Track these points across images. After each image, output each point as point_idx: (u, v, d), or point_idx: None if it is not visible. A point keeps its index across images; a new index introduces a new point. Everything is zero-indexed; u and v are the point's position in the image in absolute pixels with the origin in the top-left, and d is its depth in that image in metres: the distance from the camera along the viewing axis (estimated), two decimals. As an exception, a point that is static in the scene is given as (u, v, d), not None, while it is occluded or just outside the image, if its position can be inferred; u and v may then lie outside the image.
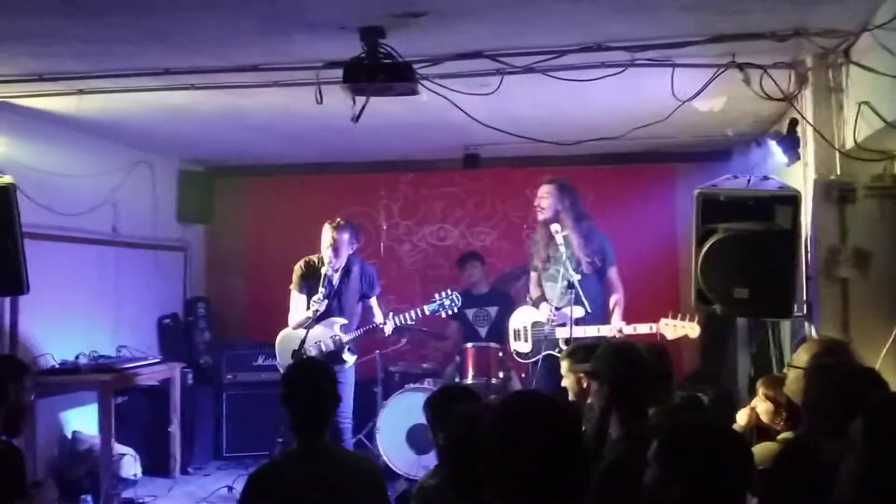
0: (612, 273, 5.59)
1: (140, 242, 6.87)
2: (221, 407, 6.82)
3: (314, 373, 3.21)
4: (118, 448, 5.75)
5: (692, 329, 5.11)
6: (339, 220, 5.41)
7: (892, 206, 4.05)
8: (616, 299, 5.51)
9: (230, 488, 5.73)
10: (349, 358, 5.44)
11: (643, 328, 5.21)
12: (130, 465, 5.88)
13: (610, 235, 5.76)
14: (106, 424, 5.52)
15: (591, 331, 5.25)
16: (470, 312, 6.84)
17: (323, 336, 5.37)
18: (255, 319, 7.52)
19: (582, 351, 3.79)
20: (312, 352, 5.30)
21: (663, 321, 5.14)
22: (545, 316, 5.49)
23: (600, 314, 5.42)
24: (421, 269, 7.65)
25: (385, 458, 5.87)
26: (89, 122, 5.57)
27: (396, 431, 5.90)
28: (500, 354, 6.20)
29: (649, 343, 3.64)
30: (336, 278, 5.41)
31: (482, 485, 1.82)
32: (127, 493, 5.59)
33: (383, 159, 7.43)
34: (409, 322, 5.60)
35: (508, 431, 1.74)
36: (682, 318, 5.12)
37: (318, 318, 5.36)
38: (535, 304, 5.68)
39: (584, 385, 3.75)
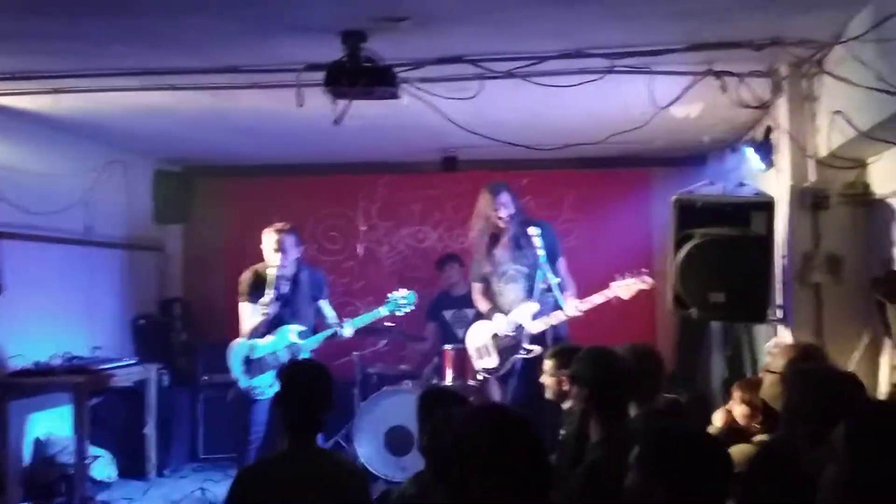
0: (562, 265, 5.48)
1: (115, 242, 6.81)
2: (197, 409, 6.78)
3: (313, 373, 3.20)
4: (92, 450, 5.70)
5: (644, 282, 5.07)
6: (282, 224, 5.36)
7: (864, 213, 4.14)
8: (571, 294, 5.36)
9: (203, 490, 5.70)
10: None
11: (598, 298, 5.10)
12: (105, 467, 5.83)
13: (552, 225, 5.68)
14: (80, 426, 5.46)
15: (550, 320, 5.18)
16: (448, 314, 6.86)
17: (278, 345, 5.29)
18: (232, 321, 7.39)
19: (566, 354, 3.80)
20: (269, 362, 5.24)
21: (614, 284, 5.09)
22: (503, 327, 5.36)
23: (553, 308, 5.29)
24: (399, 270, 7.66)
25: (363, 461, 5.86)
26: (64, 120, 5.51)
27: (374, 433, 5.90)
28: (479, 357, 6.22)
29: (636, 343, 3.64)
30: (286, 286, 5.35)
31: (465, 486, 1.84)
32: (101, 496, 5.54)
33: (362, 161, 7.42)
34: (366, 324, 5.51)
35: (497, 430, 1.77)
36: (631, 275, 5.08)
37: (272, 327, 5.30)
38: (488, 316, 5.53)
39: (565, 388, 3.77)
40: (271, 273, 5.21)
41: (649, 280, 5.09)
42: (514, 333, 5.32)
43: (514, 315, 5.32)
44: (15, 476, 5.50)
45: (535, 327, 5.18)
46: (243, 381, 5.29)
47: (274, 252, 5.23)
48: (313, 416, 3.03)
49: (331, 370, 3.21)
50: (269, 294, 5.17)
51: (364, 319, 5.42)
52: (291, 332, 5.31)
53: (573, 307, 5.18)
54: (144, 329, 7.06)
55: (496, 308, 5.48)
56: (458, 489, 1.82)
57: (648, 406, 3.47)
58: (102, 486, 5.70)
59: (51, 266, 6.00)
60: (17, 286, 5.55)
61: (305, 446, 3.00)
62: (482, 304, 5.63)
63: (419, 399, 3.36)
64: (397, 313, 5.47)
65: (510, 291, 5.44)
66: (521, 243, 5.34)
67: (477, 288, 5.69)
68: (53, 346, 5.76)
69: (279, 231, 5.25)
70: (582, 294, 5.32)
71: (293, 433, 3.00)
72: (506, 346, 5.38)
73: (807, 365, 2.87)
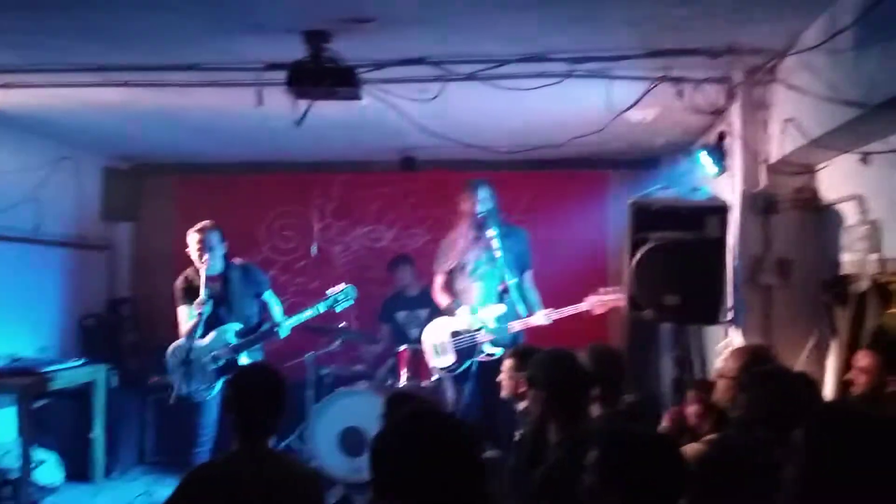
0: (529, 277, 5.56)
1: (62, 240, 6.65)
2: (146, 411, 6.65)
3: (263, 376, 3.16)
4: (38, 454, 5.55)
5: (621, 298, 5.02)
6: (203, 223, 5.27)
7: (813, 218, 4.27)
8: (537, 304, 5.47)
9: (150, 493, 5.59)
10: (245, 362, 5.28)
11: (568, 310, 5.18)
12: (51, 471, 5.68)
13: (525, 233, 5.73)
14: (25, 430, 5.32)
15: (516, 325, 5.26)
16: (401, 315, 6.85)
17: (216, 345, 5.23)
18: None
19: (525, 355, 3.81)
20: (208, 363, 5.17)
21: (590, 298, 5.19)
22: (466, 323, 5.37)
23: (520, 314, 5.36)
24: (353, 270, 7.60)
25: (317, 462, 5.82)
26: (13, 115, 5.36)
27: (329, 434, 5.86)
28: (434, 357, 6.23)
29: (596, 345, 3.69)
30: (217, 286, 5.28)
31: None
32: (48, 501, 5.40)
33: (318, 160, 7.36)
34: (304, 321, 5.41)
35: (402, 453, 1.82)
36: (608, 292, 5.16)
37: (210, 327, 5.24)
38: (449, 311, 5.55)
39: (522, 389, 3.79)
40: (201, 274, 5.14)
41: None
42: (474, 333, 5.34)
43: (482, 314, 5.35)
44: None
45: (499, 331, 5.23)
46: (182, 384, 5.22)
47: (198, 252, 5.15)
48: (264, 419, 3.00)
49: (282, 373, 3.17)
50: (204, 292, 5.11)
51: (301, 317, 5.34)
52: (228, 332, 5.25)
53: (542, 316, 5.25)
54: (92, 329, 6.91)
55: (458, 303, 5.49)
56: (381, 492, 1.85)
57: (611, 407, 3.52)
58: (48, 490, 5.55)
59: (-4, 264, 5.85)
60: (-38, 285, 5.41)
61: (256, 448, 2.96)
62: (443, 299, 5.63)
63: (386, 402, 3.35)
64: (336, 309, 5.38)
65: (476, 289, 5.47)
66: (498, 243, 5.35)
67: (439, 281, 5.67)
68: (-2, 347, 5.63)
69: (201, 230, 5.17)
70: (547, 299, 5.41)
71: (244, 437, 2.97)
72: (464, 347, 5.39)
73: (763, 368, 2.94)
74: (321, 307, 5.30)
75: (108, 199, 7.18)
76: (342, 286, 5.40)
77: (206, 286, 5.13)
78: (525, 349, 4.08)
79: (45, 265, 6.41)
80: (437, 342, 5.54)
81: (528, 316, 5.30)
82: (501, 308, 5.34)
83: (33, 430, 5.41)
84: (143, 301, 7.43)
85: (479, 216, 5.45)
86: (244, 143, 6.57)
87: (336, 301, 5.33)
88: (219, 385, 5.16)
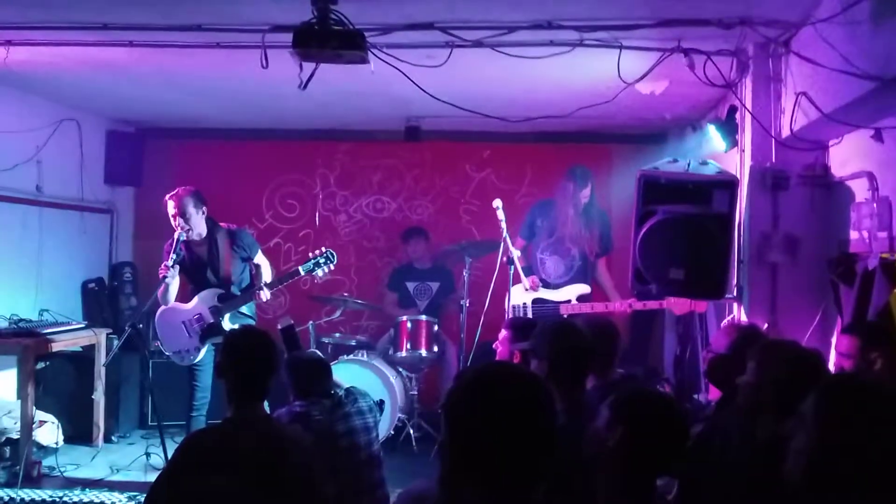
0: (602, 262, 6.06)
1: (65, 203, 6.61)
2: (147, 375, 6.65)
3: (255, 340, 3.16)
4: (39, 415, 5.56)
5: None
6: (181, 188, 5.26)
7: (822, 195, 4.22)
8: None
9: (148, 455, 5.61)
10: (229, 325, 5.30)
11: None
12: (52, 432, 5.70)
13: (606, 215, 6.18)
14: (26, 391, 5.33)
15: (598, 307, 5.48)
16: (411, 286, 6.85)
17: (202, 308, 5.26)
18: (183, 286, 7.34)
19: (524, 328, 3.80)
20: (195, 327, 5.21)
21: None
22: (554, 295, 5.69)
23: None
24: (356, 240, 7.59)
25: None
26: (15, 75, 5.29)
27: (329, 403, 5.86)
28: (436, 328, 6.24)
29: (594, 316, 3.68)
30: (203, 250, 5.30)
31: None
32: (48, 462, 5.42)
33: (322, 127, 7.31)
34: (284, 284, 5.41)
35: (470, 405, 1.72)
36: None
37: (196, 290, 5.30)
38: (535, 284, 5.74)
39: (516, 360, 3.78)
40: (176, 236, 5.15)
41: None
42: (554, 305, 5.62)
43: (568, 290, 5.70)
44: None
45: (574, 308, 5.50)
46: (168, 348, 5.28)
47: (173, 217, 5.16)
48: (257, 383, 3.01)
49: (272, 337, 3.16)
50: (172, 257, 5.11)
51: (282, 280, 5.34)
52: (213, 295, 5.25)
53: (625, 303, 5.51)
54: (94, 293, 6.91)
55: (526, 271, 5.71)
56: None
57: (604, 379, 3.53)
58: (49, 451, 5.58)
59: (-1, 225, 5.83)
60: (-37, 245, 5.39)
61: (250, 413, 2.97)
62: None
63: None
64: (317, 272, 5.36)
65: (552, 263, 5.89)
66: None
67: (515, 249, 5.61)
68: (0, 308, 5.61)
69: (175, 196, 5.17)
70: None
71: (238, 401, 2.98)
72: (542, 315, 5.49)
73: (776, 340, 2.93)
74: (301, 270, 5.28)
75: (111, 163, 7.14)
76: (323, 249, 5.37)
77: (177, 251, 5.12)
78: (523, 322, 4.10)
79: (47, 227, 6.38)
80: (517, 303, 5.65)
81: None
82: (586, 288, 5.72)
83: (35, 392, 5.41)
84: (144, 266, 7.40)
85: (579, 203, 5.79)
86: (248, 109, 6.51)
87: (317, 264, 5.30)
88: (205, 348, 5.19)
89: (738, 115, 4.49)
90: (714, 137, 4.66)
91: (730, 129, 4.54)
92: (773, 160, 4.24)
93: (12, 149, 5.80)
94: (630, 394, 2.24)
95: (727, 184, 4.07)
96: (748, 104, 4.28)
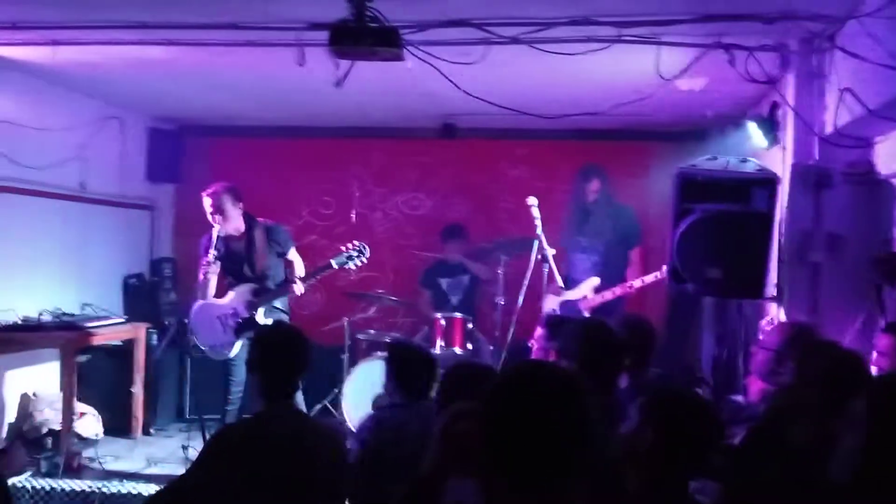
0: (635, 253, 6.21)
1: (107, 199, 6.72)
2: (185, 368, 6.74)
3: (286, 336, 3.17)
4: (80, 407, 5.66)
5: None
6: (217, 185, 5.37)
7: (866, 194, 4.12)
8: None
9: (185, 448, 5.68)
10: (263, 319, 5.33)
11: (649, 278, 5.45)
12: (92, 424, 5.80)
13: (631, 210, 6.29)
14: (68, 383, 5.43)
15: (607, 294, 5.58)
16: (444, 282, 6.84)
17: (237, 303, 5.33)
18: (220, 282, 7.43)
19: (558, 325, 3.79)
20: (230, 322, 5.27)
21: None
22: (573, 295, 5.70)
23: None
24: (392, 237, 7.60)
25: (350, 425, 5.86)
26: (61, 74, 5.41)
27: (362, 398, 5.86)
28: (470, 326, 6.22)
29: (629, 314, 3.65)
30: (241, 245, 5.38)
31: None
32: (87, 453, 5.51)
33: (358, 125, 7.33)
34: (318, 278, 5.47)
35: (503, 403, 1.72)
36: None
37: (231, 285, 5.39)
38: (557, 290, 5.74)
39: (551, 358, 3.76)
40: (215, 232, 5.25)
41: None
42: (576, 300, 5.70)
43: (582, 287, 5.72)
44: (1, 430, 5.48)
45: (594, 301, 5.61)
46: (204, 342, 5.36)
47: (210, 214, 5.24)
48: (287, 379, 3.02)
49: (303, 333, 3.17)
50: (212, 253, 5.22)
51: (315, 273, 5.39)
52: (248, 290, 5.29)
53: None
54: (135, 288, 7.02)
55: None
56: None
57: (638, 378, 3.48)
58: (88, 442, 5.67)
59: (43, 221, 5.94)
60: (8, 240, 5.50)
61: (281, 408, 2.98)
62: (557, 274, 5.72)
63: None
64: (350, 266, 5.38)
65: (578, 261, 6.01)
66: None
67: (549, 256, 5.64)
68: (43, 302, 5.73)
69: (214, 192, 5.26)
70: None
71: (268, 396, 2.99)
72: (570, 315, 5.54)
73: (816, 341, 2.87)
74: (334, 263, 5.31)
75: (152, 160, 7.25)
76: (356, 243, 5.40)
77: (217, 247, 5.19)
78: (558, 319, 4.06)
79: (89, 223, 6.49)
80: (549, 309, 5.67)
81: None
82: (595, 280, 5.72)
83: (76, 384, 5.51)
84: (184, 261, 7.50)
85: (588, 199, 5.94)
86: (284, 107, 6.56)
87: (350, 257, 5.33)
88: (240, 343, 5.24)
89: (779, 112, 4.40)
90: (755, 135, 4.58)
91: (771, 125, 4.46)
92: (816, 157, 4.15)
93: (57, 146, 5.91)
94: (661, 395, 2.19)
95: (767, 181, 3.99)
96: (791, 100, 4.20)
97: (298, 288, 5.26)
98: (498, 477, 1.70)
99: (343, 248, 5.37)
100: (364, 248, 5.35)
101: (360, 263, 5.35)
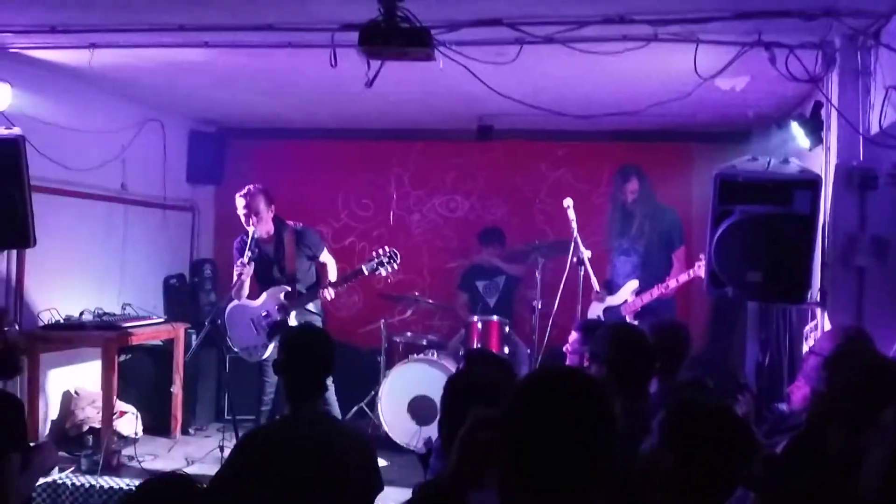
0: (680, 254, 6.03)
1: (149, 201, 6.83)
2: (224, 369, 6.80)
3: (312, 339, 3.17)
4: (120, 406, 5.75)
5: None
6: (249, 187, 5.45)
7: (914, 195, 3.98)
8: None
9: (222, 448, 5.72)
10: (294, 322, 5.35)
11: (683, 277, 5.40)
12: (131, 423, 5.88)
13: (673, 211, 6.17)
14: (108, 382, 5.50)
15: (645, 297, 5.57)
16: (480, 284, 6.82)
17: (269, 305, 5.37)
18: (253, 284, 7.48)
19: (592, 330, 3.73)
20: (262, 324, 5.32)
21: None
22: (614, 300, 5.74)
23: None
24: (429, 239, 7.59)
25: (386, 428, 5.85)
26: (101, 77, 5.49)
27: (398, 401, 5.88)
28: (507, 329, 6.18)
29: (662, 320, 3.58)
30: (270, 248, 5.43)
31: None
32: (127, 451, 5.59)
33: (395, 127, 7.33)
34: (348, 282, 5.51)
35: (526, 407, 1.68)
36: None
37: (263, 288, 5.46)
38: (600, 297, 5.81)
39: (585, 363, 3.71)
40: (251, 234, 5.33)
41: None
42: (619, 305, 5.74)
43: (623, 292, 5.75)
44: (44, 427, 5.59)
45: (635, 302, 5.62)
46: (238, 343, 5.42)
47: (244, 216, 5.30)
48: (312, 381, 3.02)
49: (330, 335, 3.17)
50: (247, 254, 5.29)
51: (346, 279, 5.43)
52: (280, 292, 5.31)
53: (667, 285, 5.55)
54: (175, 288, 7.11)
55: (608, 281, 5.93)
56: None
57: (668, 382, 3.42)
58: (128, 440, 5.75)
59: (85, 222, 6.05)
60: (52, 240, 5.56)
61: (307, 412, 2.98)
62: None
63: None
64: (381, 272, 5.40)
65: (620, 263, 6.00)
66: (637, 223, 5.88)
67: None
68: (85, 302, 5.84)
69: (245, 195, 5.34)
70: None
71: (294, 399, 2.99)
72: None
73: (854, 348, 2.77)
74: (365, 269, 5.32)
75: (193, 162, 7.34)
76: (386, 248, 5.40)
77: (252, 249, 5.23)
78: (592, 323, 4.00)
79: (131, 224, 6.59)
80: (593, 315, 5.75)
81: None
82: (634, 283, 5.72)
83: (116, 383, 5.59)
84: (224, 262, 7.57)
85: (626, 200, 5.91)
86: (321, 109, 6.59)
87: (381, 263, 5.33)
88: (272, 345, 5.27)
89: (823, 112, 4.27)
90: (797, 135, 4.44)
91: (814, 126, 4.31)
92: (861, 158, 4.01)
93: (99, 148, 6.02)
94: (680, 413, 2.02)
95: (809, 183, 3.88)
96: (834, 99, 4.07)
97: (328, 293, 5.29)
98: (519, 486, 1.67)
99: (374, 255, 5.39)
100: (395, 254, 5.36)
101: (390, 270, 5.37)
